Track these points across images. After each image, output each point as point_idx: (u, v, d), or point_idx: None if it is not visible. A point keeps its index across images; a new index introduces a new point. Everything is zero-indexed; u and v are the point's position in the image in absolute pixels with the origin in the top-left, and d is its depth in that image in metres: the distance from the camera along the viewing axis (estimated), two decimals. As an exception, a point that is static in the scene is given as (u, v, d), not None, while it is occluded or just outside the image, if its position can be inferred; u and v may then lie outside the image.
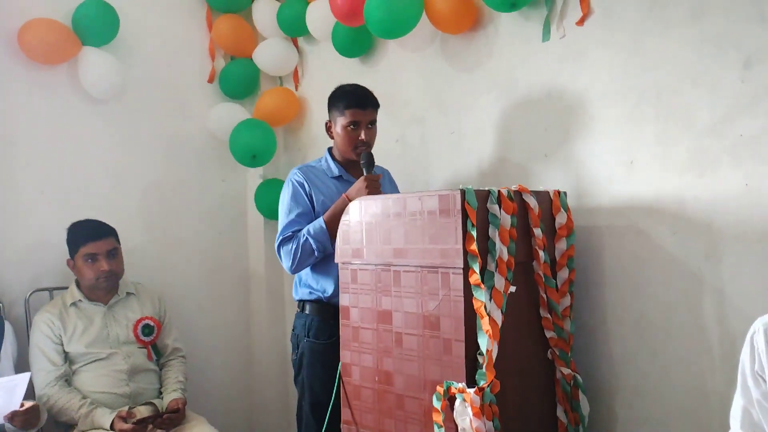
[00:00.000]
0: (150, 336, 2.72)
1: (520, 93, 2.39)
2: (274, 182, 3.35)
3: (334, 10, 2.67)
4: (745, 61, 1.84)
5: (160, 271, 3.16)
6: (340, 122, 2.40)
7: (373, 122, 2.43)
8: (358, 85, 2.45)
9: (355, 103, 2.38)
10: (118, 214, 2.92)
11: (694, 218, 1.95)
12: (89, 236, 2.63)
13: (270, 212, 3.32)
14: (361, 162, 2.37)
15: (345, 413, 2.15)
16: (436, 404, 1.81)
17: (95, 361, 2.57)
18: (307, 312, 2.46)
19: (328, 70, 3.19)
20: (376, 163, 2.41)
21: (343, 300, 2.15)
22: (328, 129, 2.47)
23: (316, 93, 3.28)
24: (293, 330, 2.52)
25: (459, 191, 1.78)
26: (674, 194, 1.98)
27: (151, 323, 2.73)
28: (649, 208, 2.04)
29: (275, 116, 3.26)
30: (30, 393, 2.51)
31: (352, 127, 2.38)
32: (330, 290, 2.38)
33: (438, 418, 1.80)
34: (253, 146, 3.16)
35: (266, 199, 3.31)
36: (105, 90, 2.96)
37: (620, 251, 2.12)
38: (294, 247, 2.34)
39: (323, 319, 2.40)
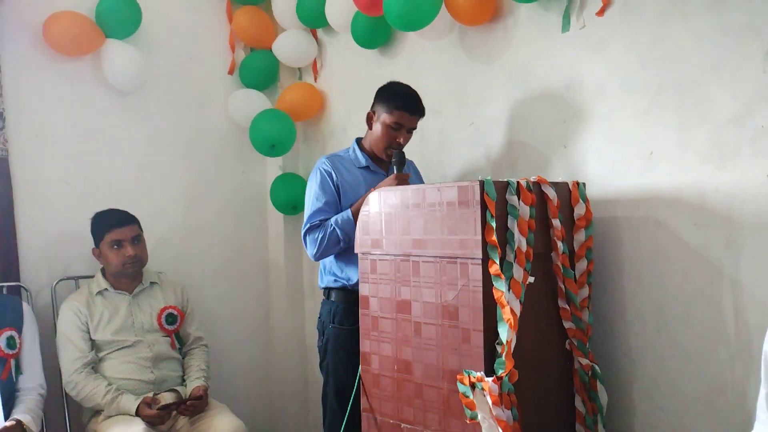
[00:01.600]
0: (173, 325, 2.77)
1: (539, 84, 2.39)
2: (291, 177, 3.39)
3: (356, 0, 2.69)
4: (767, 51, 1.83)
5: (182, 262, 3.22)
6: (384, 119, 2.42)
7: (414, 129, 2.47)
8: (413, 90, 2.47)
9: (407, 107, 2.41)
10: (141, 205, 2.97)
11: (714, 210, 1.94)
12: (114, 223, 2.68)
13: (285, 207, 3.36)
14: (393, 160, 2.41)
15: (364, 401, 2.18)
16: (467, 391, 1.81)
17: (121, 348, 2.63)
18: (332, 299, 2.51)
19: (346, 61, 3.20)
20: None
21: (363, 290, 2.18)
22: (369, 119, 2.49)
23: (335, 84, 3.30)
24: (319, 317, 2.58)
25: (478, 182, 1.80)
26: (694, 185, 1.98)
27: (175, 312, 2.79)
28: (669, 200, 2.04)
29: (297, 111, 3.28)
30: (58, 379, 2.60)
31: (394, 127, 2.41)
32: (355, 278, 2.42)
33: (471, 404, 1.80)
34: (272, 136, 3.17)
35: (282, 193, 3.35)
36: (128, 82, 3.01)
37: (639, 243, 2.12)
38: (321, 236, 2.40)
39: (348, 305, 2.44)
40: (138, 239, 2.73)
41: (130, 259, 2.68)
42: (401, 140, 2.43)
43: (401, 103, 2.41)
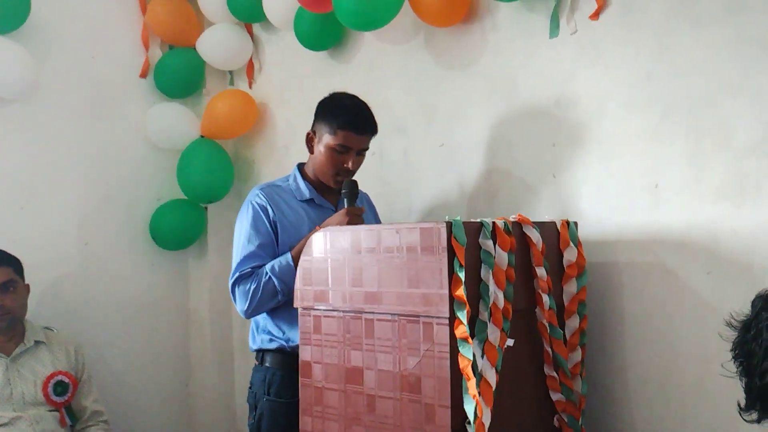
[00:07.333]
0: (63, 396, 2.74)
1: (523, 100, 2.45)
2: (175, 204, 3.43)
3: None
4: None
5: (77, 314, 3.19)
6: (327, 141, 2.44)
7: (365, 150, 2.49)
8: (360, 102, 2.50)
9: (353, 125, 2.43)
10: (26, 242, 2.95)
11: (732, 255, 2.00)
12: None
13: (164, 242, 3.42)
14: (343, 191, 2.43)
15: (305, 495, 2.17)
16: None
17: (-6, 428, 2.59)
18: (267, 364, 2.50)
19: (289, 64, 3.24)
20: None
21: (304, 354, 2.18)
22: (309, 141, 2.52)
23: (274, 92, 3.33)
24: (250, 387, 2.56)
25: (444, 224, 1.83)
26: (708, 226, 2.04)
27: (66, 379, 2.75)
28: (678, 243, 2.09)
29: (226, 126, 3.31)
30: None
31: (339, 150, 2.43)
32: (297, 339, 2.40)
33: None
34: (207, 189, 3.29)
35: (163, 225, 3.41)
36: (12, 87, 3.00)
37: (643, 294, 2.17)
38: (253, 287, 2.39)
39: (287, 372, 2.43)
40: (10, 286, 2.72)
41: (-3, 312, 2.66)
42: (350, 165, 2.45)
43: (345, 120, 2.43)
